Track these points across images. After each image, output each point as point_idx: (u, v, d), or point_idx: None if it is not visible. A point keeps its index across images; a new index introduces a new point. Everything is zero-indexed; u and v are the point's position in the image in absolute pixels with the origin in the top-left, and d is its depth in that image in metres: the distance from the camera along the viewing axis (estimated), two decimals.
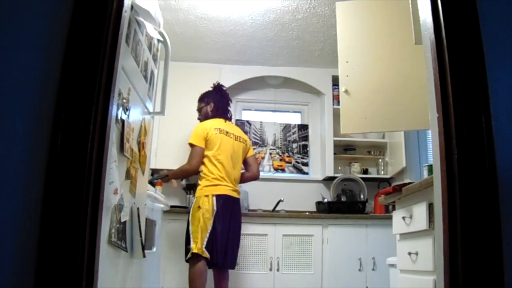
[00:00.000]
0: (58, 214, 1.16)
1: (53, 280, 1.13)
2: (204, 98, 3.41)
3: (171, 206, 3.57)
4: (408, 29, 2.19)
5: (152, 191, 2.50)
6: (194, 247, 2.80)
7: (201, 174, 3.05)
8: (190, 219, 2.92)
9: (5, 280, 1.12)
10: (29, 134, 1.20)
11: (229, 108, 3.39)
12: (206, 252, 2.82)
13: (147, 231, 2.44)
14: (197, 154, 3.04)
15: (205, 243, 2.83)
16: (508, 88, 1.28)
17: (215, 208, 2.90)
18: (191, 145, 3.08)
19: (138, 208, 1.97)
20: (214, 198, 2.93)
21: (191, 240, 2.83)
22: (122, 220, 1.71)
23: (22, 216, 1.16)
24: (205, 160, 3.05)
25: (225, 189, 3.01)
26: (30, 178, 1.18)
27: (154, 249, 2.79)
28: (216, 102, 3.34)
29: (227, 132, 3.18)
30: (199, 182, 3.04)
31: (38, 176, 1.18)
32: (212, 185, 2.97)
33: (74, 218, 1.16)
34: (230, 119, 3.36)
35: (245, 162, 3.34)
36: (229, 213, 3.01)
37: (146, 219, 2.29)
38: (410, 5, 2.21)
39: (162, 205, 3.07)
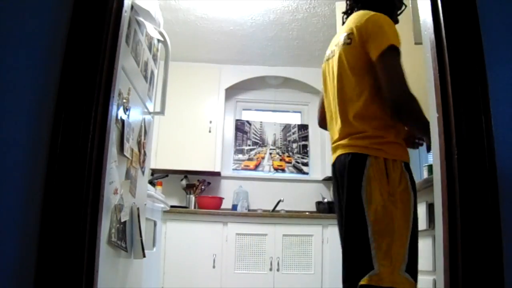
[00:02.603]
0: (58, 214, 1.16)
1: (53, 280, 1.13)
2: None
3: (171, 206, 3.57)
4: (408, 29, 2.19)
5: (152, 191, 2.50)
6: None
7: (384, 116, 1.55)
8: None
9: (5, 280, 1.12)
10: (29, 134, 1.20)
11: None
12: None
13: (147, 231, 2.44)
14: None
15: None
16: (508, 88, 1.28)
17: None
18: (394, 47, 1.51)
19: (138, 208, 1.97)
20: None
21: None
22: (122, 220, 1.71)
23: (22, 216, 1.16)
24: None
25: None
26: (30, 178, 1.18)
27: (154, 249, 2.79)
28: None
29: (332, 51, 1.81)
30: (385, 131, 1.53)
31: (38, 176, 1.18)
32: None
33: (74, 218, 1.16)
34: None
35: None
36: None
37: (146, 219, 2.29)
38: (410, 5, 2.20)
39: (162, 205, 3.07)
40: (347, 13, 1.76)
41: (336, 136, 1.64)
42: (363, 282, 1.40)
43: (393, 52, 1.50)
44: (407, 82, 1.49)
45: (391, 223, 1.41)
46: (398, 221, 1.42)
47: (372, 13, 1.58)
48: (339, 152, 1.60)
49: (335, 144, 1.65)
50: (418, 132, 1.67)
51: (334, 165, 1.65)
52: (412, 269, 1.43)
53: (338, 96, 1.65)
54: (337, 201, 1.66)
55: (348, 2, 1.76)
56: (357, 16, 1.62)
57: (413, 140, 1.77)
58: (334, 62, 1.70)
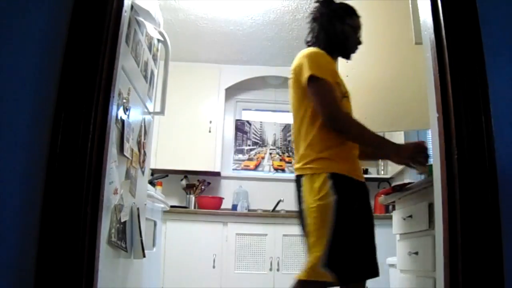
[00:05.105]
0: (58, 214, 1.16)
1: (53, 280, 1.13)
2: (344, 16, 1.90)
3: (171, 206, 3.57)
4: (408, 29, 2.19)
5: (152, 191, 2.50)
6: None
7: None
8: None
9: (5, 280, 1.12)
10: (29, 134, 1.20)
11: None
12: None
13: (147, 231, 2.44)
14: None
15: None
16: (508, 88, 1.28)
17: None
18: (314, 77, 1.70)
19: (138, 208, 1.97)
20: None
21: None
22: (122, 220, 1.71)
23: (22, 216, 1.16)
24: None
25: None
26: (30, 178, 1.18)
27: (154, 249, 2.79)
28: None
29: None
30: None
31: (38, 176, 1.18)
32: None
33: (74, 218, 1.16)
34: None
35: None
36: None
37: (146, 219, 2.29)
38: (410, 5, 2.21)
39: (162, 205, 3.07)
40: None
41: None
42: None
43: (315, 80, 1.70)
44: (336, 103, 1.70)
45: (312, 226, 1.68)
46: (318, 223, 1.66)
47: (305, 50, 1.81)
48: None
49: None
50: (372, 148, 1.92)
51: None
52: (336, 264, 1.61)
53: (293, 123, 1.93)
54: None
55: (307, 42, 1.97)
56: (297, 56, 1.84)
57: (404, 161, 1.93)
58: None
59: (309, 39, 1.93)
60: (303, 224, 1.77)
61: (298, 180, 1.80)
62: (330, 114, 1.68)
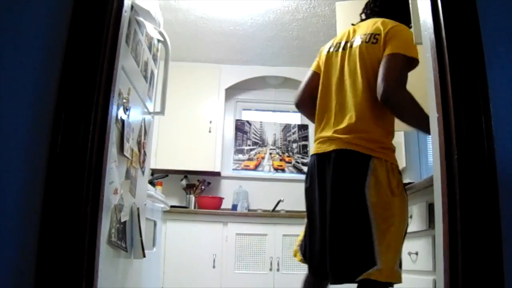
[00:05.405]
0: (58, 214, 1.16)
1: (53, 280, 1.13)
2: None
3: (171, 206, 3.57)
4: None
5: (152, 191, 2.50)
6: None
7: None
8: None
9: (5, 280, 1.12)
10: (29, 134, 1.20)
11: None
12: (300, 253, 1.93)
13: (147, 231, 2.44)
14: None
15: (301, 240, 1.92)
16: (508, 88, 1.28)
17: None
18: (413, 61, 1.60)
19: (138, 208, 1.97)
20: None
21: None
22: (122, 220, 1.71)
23: (22, 216, 1.16)
24: None
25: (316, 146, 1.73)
26: (30, 178, 1.18)
27: (154, 249, 2.79)
28: None
29: (340, 45, 1.78)
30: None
31: (38, 176, 1.18)
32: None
33: (74, 218, 1.16)
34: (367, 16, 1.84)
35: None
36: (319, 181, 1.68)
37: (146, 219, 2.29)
38: (410, 5, 2.20)
39: (162, 205, 3.07)
40: (367, 17, 1.81)
41: (336, 128, 1.63)
42: (362, 277, 1.44)
43: (409, 62, 1.57)
44: (404, 84, 1.55)
45: (393, 221, 1.50)
46: (398, 219, 1.51)
47: (403, 25, 1.66)
48: (337, 146, 1.59)
49: (332, 135, 1.63)
50: (416, 128, 1.70)
51: (327, 156, 1.62)
52: (400, 264, 1.53)
53: (347, 91, 1.66)
54: (318, 192, 1.64)
55: (369, 9, 1.81)
56: (385, 21, 1.66)
57: None
58: (351, 56, 1.68)
59: (375, 8, 1.78)
60: (359, 215, 1.49)
61: (362, 158, 1.53)
62: (392, 86, 1.50)
